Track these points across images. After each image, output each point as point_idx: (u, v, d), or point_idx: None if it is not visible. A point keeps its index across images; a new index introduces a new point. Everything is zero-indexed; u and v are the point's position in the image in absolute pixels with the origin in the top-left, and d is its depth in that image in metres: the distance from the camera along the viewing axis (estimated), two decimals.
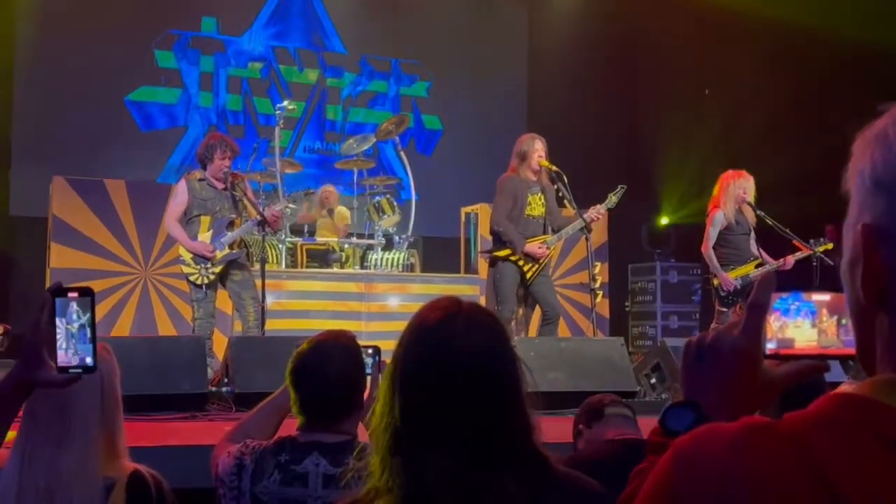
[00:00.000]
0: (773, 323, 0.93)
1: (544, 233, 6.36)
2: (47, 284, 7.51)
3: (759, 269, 6.54)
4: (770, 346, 0.94)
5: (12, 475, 1.83)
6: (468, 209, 9.26)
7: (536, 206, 6.32)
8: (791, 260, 6.52)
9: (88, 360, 1.41)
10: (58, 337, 1.40)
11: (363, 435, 2.23)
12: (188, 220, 6.07)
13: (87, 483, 1.86)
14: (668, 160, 10.49)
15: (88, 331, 1.41)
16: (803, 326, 0.93)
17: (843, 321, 0.91)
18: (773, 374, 0.95)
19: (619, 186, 6.46)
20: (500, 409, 1.35)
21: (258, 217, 6.00)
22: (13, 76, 9.46)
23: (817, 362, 0.94)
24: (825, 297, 0.92)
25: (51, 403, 1.80)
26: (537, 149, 6.28)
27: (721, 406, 0.92)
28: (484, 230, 8.40)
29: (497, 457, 1.32)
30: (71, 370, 1.40)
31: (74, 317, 1.41)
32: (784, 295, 0.93)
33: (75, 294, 1.41)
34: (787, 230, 6.59)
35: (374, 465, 1.36)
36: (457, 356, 1.35)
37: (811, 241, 6.53)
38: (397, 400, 1.35)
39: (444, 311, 1.39)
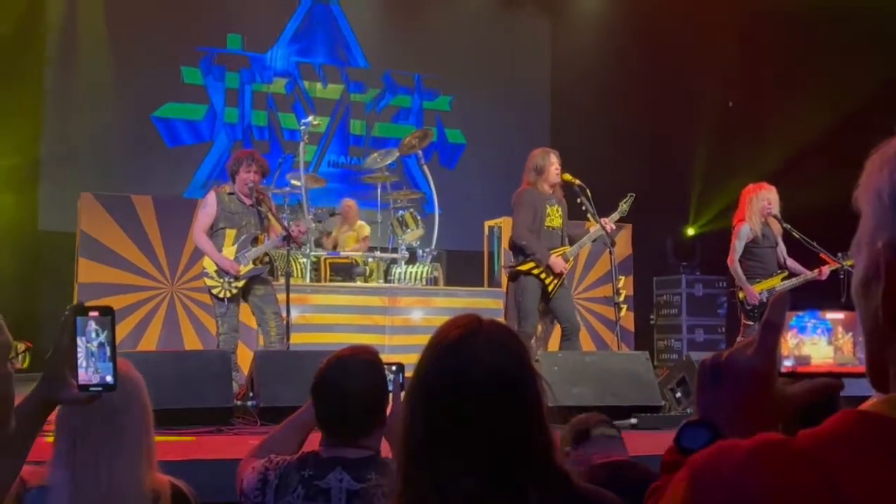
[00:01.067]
0: (790, 340, 0.93)
1: (563, 244, 6.35)
2: (75, 299, 7.61)
3: (785, 281, 6.49)
4: (786, 364, 0.94)
5: (64, 490, 1.86)
6: (491, 223, 9.26)
7: (555, 217, 6.32)
8: (826, 270, 6.47)
9: (109, 379, 1.43)
10: (78, 356, 1.42)
11: (386, 451, 2.24)
12: (214, 232, 6.13)
13: (140, 496, 1.89)
14: (695, 171, 10.44)
15: (108, 349, 1.43)
16: (819, 344, 0.93)
17: (860, 339, 0.91)
18: (789, 391, 0.95)
19: (629, 194, 6.45)
20: (521, 426, 1.35)
21: (283, 232, 6.05)
22: (42, 93, 9.61)
23: (832, 380, 0.94)
24: (840, 315, 0.93)
25: (101, 419, 1.83)
26: (553, 162, 6.28)
27: (736, 425, 0.92)
28: (507, 243, 8.40)
29: (519, 474, 1.32)
30: (92, 388, 1.42)
31: (93, 335, 1.43)
32: (800, 312, 0.93)
33: (96, 313, 1.44)
34: (814, 243, 6.53)
35: (398, 481, 1.36)
36: (477, 374, 1.35)
37: (839, 254, 6.47)
38: (419, 417, 1.36)
39: (465, 329, 1.40)
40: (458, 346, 1.38)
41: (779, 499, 0.73)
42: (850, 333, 0.92)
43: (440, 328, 1.44)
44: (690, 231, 10.90)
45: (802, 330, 0.93)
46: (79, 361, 1.42)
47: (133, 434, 1.91)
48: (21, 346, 1.43)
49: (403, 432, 1.38)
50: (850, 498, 0.71)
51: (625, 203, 6.41)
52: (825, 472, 0.73)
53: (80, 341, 1.42)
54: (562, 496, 1.35)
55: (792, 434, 0.79)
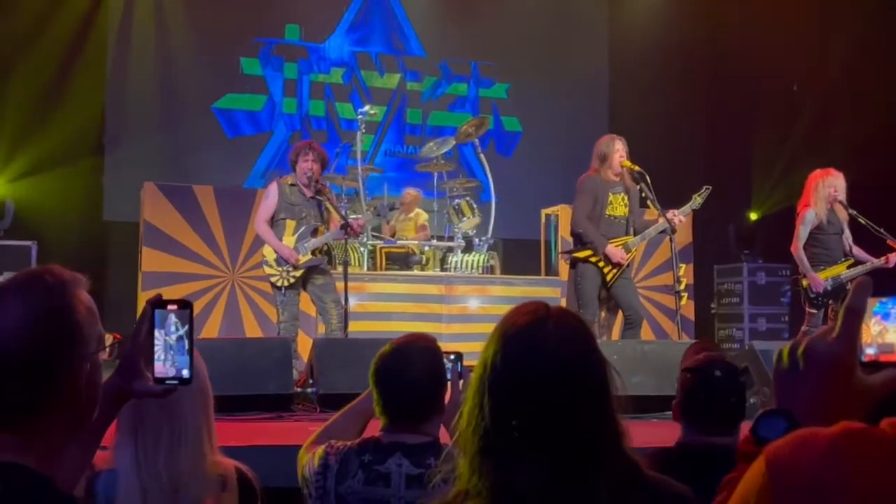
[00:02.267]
0: (873, 327, 0.89)
1: (627, 233, 6.26)
2: (140, 288, 7.77)
3: (851, 269, 6.33)
4: (869, 352, 0.90)
5: (130, 477, 1.89)
6: (548, 211, 9.20)
7: (619, 206, 6.22)
8: (894, 258, 6.29)
9: (185, 373, 1.43)
10: (156, 348, 1.42)
11: (445, 438, 2.24)
12: (274, 222, 6.20)
13: (206, 479, 1.92)
14: (758, 156, 10.23)
15: (186, 343, 1.43)
16: None
17: None
18: (870, 380, 0.91)
19: (704, 187, 6.32)
20: (590, 413, 1.33)
21: (342, 222, 6.09)
22: (105, 86, 9.82)
23: None
24: None
25: (158, 404, 1.86)
26: (618, 149, 6.19)
27: (815, 414, 0.89)
28: (564, 232, 8.34)
29: (587, 462, 1.30)
30: (167, 381, 1.42)
31: (173, 328, 1.43)
32: (883, 299, 0.89)
33: (174, 306, 1.44)
34: (882, 229, 6.35)
35: (463, 468, 1.35)
36: (546, 360, 1.34)
37: None
38: (486, 403, 1.34)
39: (533, 315, 1.38)
40: (526, 333, 1.36)
41: (864, 489, 0.70)
42: None
43: (507, 315, 1.42)
44: (753, 216, 10.68)
45: (886, 317, 0.89)
46: (156, 354, 1.42)
47: (192, 419, 1.94)
48: (110, 338, 1.44)
49: (468, 419, 1.36)
50: None
51: (699, 196, 6.30)
52: None
53: (159, 334, 1.43)
54: (631, 486, 1.32)
55: (873, 424, 0.76)
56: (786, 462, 0.75)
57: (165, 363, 1.42)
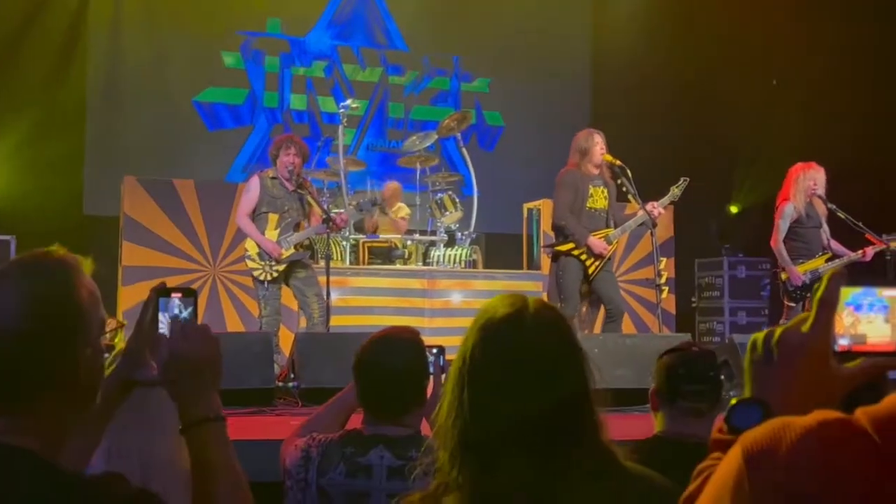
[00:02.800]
0: (846, 318, 0.91)
1: (607, 226, 6.28)
2: (119, 282, 7.72)
3: (829, 263, 6.38)
4: (842, 343, 0.91)
5: (100, 466, 1.88)
6: (530, 205, 9.21)
7: (599, 198, 6.25)
8: (871, 251, 6.35)
9: None
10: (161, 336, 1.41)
11: (427, 430, 2.25)
12: (256, 216, 6.17)
13: (179, 472, 1.91)
14: (738, 151, 10.28)
15: None
16: (876, 322, 0.90)
17: None
18: (843, 370, 0.93)
19: (682, 179, 6.35)
20: (568, 406, 1.33)
21: (324, 216, 6.08)
22: (86, 80, 9.73)
23: (889, 359, 0.92)
24: None
25: (130, 398, 1.85)
26: (598, 142, 6.21)
27: (789, 404, 0.90)
28: (546, 226, 8.35)
29: (567, 454, 1.31)
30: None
31: (178, 315, 1.42)
32: (856, 290, 0.91)
33: (178, 294, 1.43)
34: (860, 223, 6.40)
35: (443, 461, 1.36)
36: (525, 351, 1.34)
37: (884, 235, 6.35)
38: (465, 395, 1.34)
39: (511, 307, 1.38)
40: (504, 324, 1.37)
41: (836, 479, 0.71)
42: None
43: (485, 306, 1.42)
44: (733, 209, 10.74)
45: (858, 308, 0.90)
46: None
47: (165, 412, 1.92)
48: (112, 323, 1.43)
49: (448, 411, 1.37)
50: None
51: (677, 188, 6.32)
52: (888, 451, 0.71)
53: (163, 321, 1.41)
54: (610, 477, 1.34)
55: (847, 413, 0.77)
56: (762, 451, 0.76)
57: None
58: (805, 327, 0.92)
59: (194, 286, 8.19)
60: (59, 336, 1.27)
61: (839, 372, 0.92)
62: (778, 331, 0.94)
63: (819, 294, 0.91)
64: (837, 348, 0.91)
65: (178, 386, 1.41)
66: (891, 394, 0.78)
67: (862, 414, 0.75)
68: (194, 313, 1.44)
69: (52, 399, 1.27)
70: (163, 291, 1.43)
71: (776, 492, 0.73)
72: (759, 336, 0.96)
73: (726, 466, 0.78)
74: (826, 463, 0.71)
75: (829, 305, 0.91)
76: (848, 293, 0.90)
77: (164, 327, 1.42)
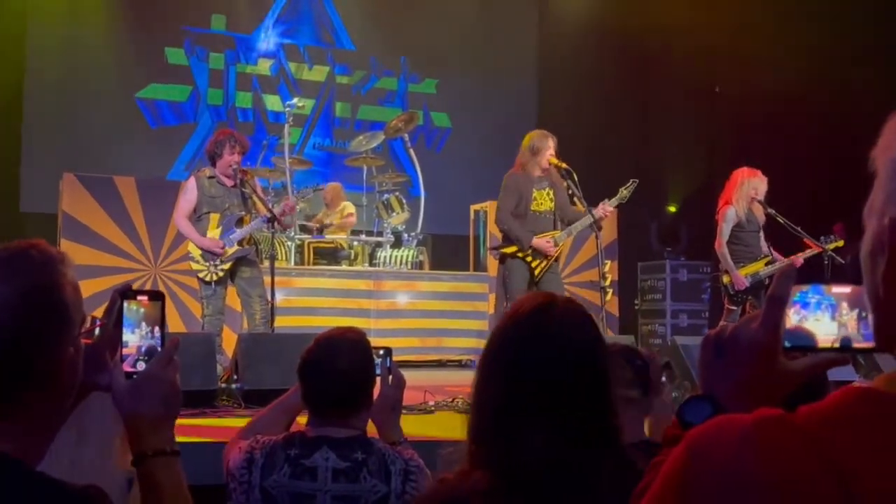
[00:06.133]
0: (793, 316, 0.92)
1: (554, 228, 6.32)
2: None
3: (769, 266, 6.51)
4: (789, 340, 0.93)
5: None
6: (477, 206, 9.24)
7: (544, 201, 6.28)
8: (800, 259, 6.48)
9: None
10: (125, 340, 1.34)
11: (372, 431, 2.24)
12: (197, 217, 6.06)
13: (109, 476, 1.86)
14: (679, 155, 10.45)
15: (158, 335, 1.36)
16: (823, 320, 0.91)
17: (864, 315, 0.89)
18: (792, 367, 0.94)
19: (631, 181, 6.40)
20: (594, 393, 1.40)
21: (268, 214, 5.99)
22: (24, 73, 9.50)
23: (836, 356, 0.93)
24: (846, 289, 0.91)
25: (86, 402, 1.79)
26: (550, 147, 6.24)
27: (739, 399, 0.91)
28: (493, 227, 8.38)
29: (593, 437, 1.38)
30: (136, 375, 1.33)
31: (142, 320, 1.35)
32: (804, 288, 0.92)
33: (144, 297, 1.36)
34: (798, 228, 6.54)
35: (469, 446, 1.41)
36: (554, 341, 1.41)
37: (822, 238, 6.49)
38: (495, 386, 1.41)
39: (540, 303, 1.46)
40: (534, 318, 1.44)
41: (777, 474, 0.71)
42: (856, 310, 0.90)
43: (514, 303, 1.51)
44: (671, 209, 10.91)
45: (806, 306, 0.91)
46: (124, 347, 1.34)
47: (100, 415, 1.86)
48: (88, 321, 1.34)
49: (478, 400, 1.43)
50: (849, 476, 0.70)
51: (626, 189, 6.37)
52: (826, 450, 0.72)
53: (127, 325, 1.34)
54: (630, 467, 1.37)
55: (791, 410, 0.78)
56: (704, 447, 0.76)
57: (137, 358, 1.34)
58: (755, 325, 0.93)
59: (135, 286, 8.08)
60: (42, 333, 1.20)
61: (787, 368, 0.94)
62: (729, 328, 0.95)
63: (770, 291, 0.93)
64: (785, 345, 0.93)
65: (142, 411, 1.33)
66: (831, 392, 0.79)
67: (804, 411, 0.76)
68: (162, 317, 1.36)
69: (31, 399, 1.20)
70: (127, 293, 1.35)
71: (717, 487, 0.74)
72: (711, 332, 0.97)
73: (673, 461, 0.78)
74: (763, 460, 0.72)
75: (778, 303, 0.92)
76: (797, 291, 0.92)
77: (127, 334, 1.34)
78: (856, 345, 0.90)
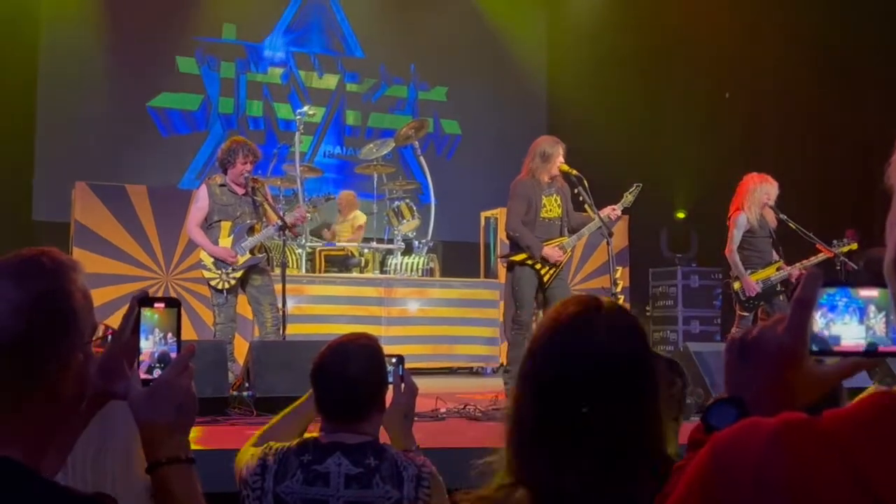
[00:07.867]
0: (820, 319, 0.90)
1: (561, 234, 6.30)
2: None
3: (780, 272, 6.47)
4: (816, 344, 0.91)
5: (58, 479, 1.81)
6: (487, 213, 9.24)
7: (553, 207, 6.26)
8: (796, 272, 6.43)
9: None
10: (142, 348, 1.33)
11: (384, 438, 2.23)
12: (209, 225, 6.07)
13: (133, 484, 1.85)
14: (689, 162, 10.43)
15: (175, 343, 1.35)
16: (851, 323, 0.89)
17: (893, 318, 0.87)
18: (819, 371, 0.93)
19: (635, 185, 6.39)
20: (638, 410, 1.31)
21: (279, 222, 6.00)
22: (37, 83, 9.56)
23: (863, 360, 0.91)
24: (874, 293, 0.89)
25: (103, 411, 1.78)
26: (560, 153, 6.23)
27: (764, 404, 0.90)
28: (503, 234, 8.38)
29: (634, 459, 1.29)
30: (152, 383, 1.32)
31: (159, 328, 1.34)
32: (831, 291, 0.90)
33: (161, 304, 1.34)
34: (810, 234, 6.51)
35: (508, 458, 1.33)
36: (597, 354, 1.31)
37: (834, 242, 6.46)
38: (535, 395, 1.32)
39: (584, 307, 1.36)
40: (576, 324, 1.34)
41: (801, 479, 0.71)
42: (883, 312, 0.88)
43: (556, 307, 1.39)
44: (680, 215, 10.88)
45: (833, 309, 0.90)
46: (141, 355, 1.33)
47: (124, 423, 1.86)
48: (101, 328, 1.34)
49: (517, 410, 1.34)
50: (874, 482, 0.69)
51: (630, 193, 6.36)
52: (850, 455, 0.71)
53: (144, 333, 1.33)
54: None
55: (816, 414, 0.77)
56: (729, 452, 0.76)
57: (151, 364, 1.33)
58: (781, 328, 0.92)
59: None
60: (51, 340, 1.20)
61: (815, 372, 0.92)
62: (755, 330, 0.94)
63: (795, 294, 0.91)
64: (812, 349, 0.91)
65: (157, 418, 1.32)
66: (847, 400, 0.78)
67: (828, 416, 0.76)
68: (178, 325, 1.35)
69: (39, 406, 1.19)
70: (144, 301, 1.34)
71: (742, 491, 0.73)
72: (736, 335, 0.96)
73: (697, 465, 0.78)
74: (788, 465, 0.72)
75: (804, 306, 0.90)
76: (824, 294, 0.90)
77: (144, 342, 1.33)
78: (882, 349, 0.88)
